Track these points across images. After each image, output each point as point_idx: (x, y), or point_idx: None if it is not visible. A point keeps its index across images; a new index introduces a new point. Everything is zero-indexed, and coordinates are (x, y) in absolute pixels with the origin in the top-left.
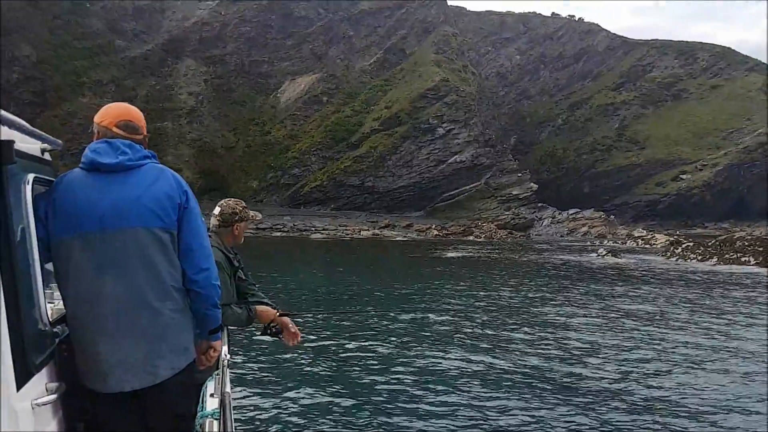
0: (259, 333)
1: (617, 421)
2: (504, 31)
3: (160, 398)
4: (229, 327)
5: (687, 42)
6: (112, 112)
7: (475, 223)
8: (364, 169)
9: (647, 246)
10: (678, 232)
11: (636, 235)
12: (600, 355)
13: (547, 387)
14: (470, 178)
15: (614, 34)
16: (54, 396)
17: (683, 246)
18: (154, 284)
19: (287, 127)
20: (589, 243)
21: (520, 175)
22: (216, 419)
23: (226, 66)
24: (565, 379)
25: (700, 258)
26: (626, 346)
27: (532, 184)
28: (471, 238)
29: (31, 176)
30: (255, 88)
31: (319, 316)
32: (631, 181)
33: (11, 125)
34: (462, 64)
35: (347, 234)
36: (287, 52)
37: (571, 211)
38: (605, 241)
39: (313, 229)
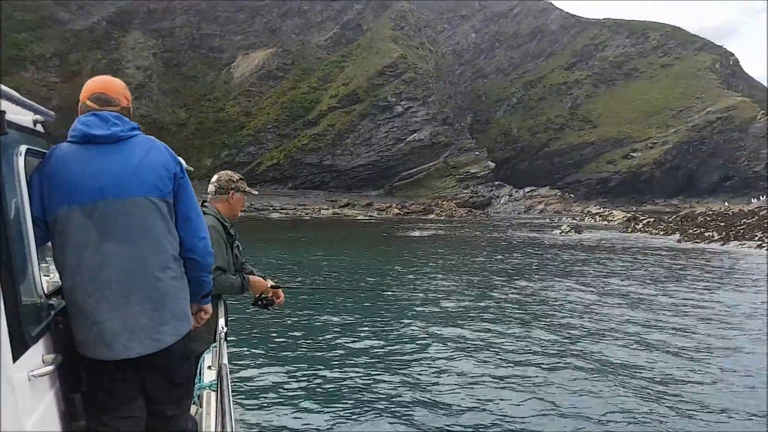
0: (251, 303)
1: (602, 396)
2: (460, 8)
3: (162, 365)
4: (227, 301)
5: (638, 21)
6: (87, 86)
7: (435, 202)
8: (322, 147)
9: (605, 222)
10: (634, 209)
11: (594, 211)
12: (591, 332)
13: (531, 360)
14: (429, 156)
15: (568, 12)
16: (51, 367)
17: (643, 222)
18: (156, 253)
19: (241, 103)
20: (548, 220)
21: (477, 153)
22: (213, 390)
23: (175, 39)
24: (550, 354)
25: (662, 233)
26: (607, 323)
27: (489, 162)
28: (432, 216)
29: (23, 148)
30: (206, 62)
31: (310, 288)
32: (584, 159)
33: (2, 96)
34: (419, 41)
35: (307, 213)
36: (240, 25)
37: (527, 189)
38: (564, 218)
39: (271, 208)
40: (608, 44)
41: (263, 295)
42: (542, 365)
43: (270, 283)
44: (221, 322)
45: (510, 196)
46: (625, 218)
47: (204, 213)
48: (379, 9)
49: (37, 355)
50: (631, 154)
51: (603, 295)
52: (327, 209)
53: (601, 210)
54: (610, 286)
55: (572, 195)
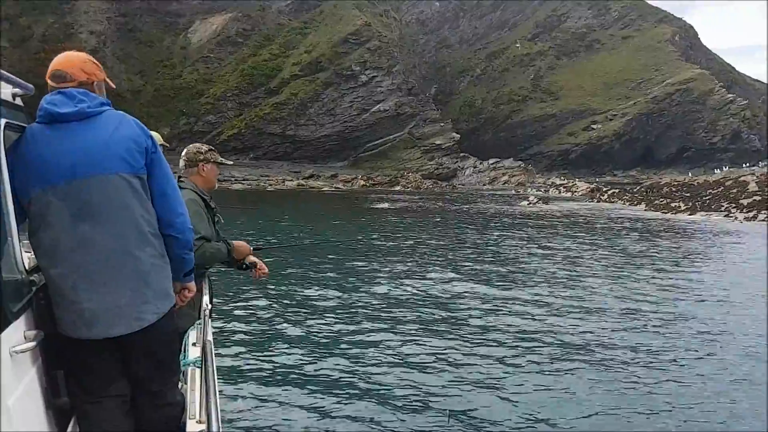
0: (235, 268)
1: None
2: None
3: (144, 343)
4: (211, 278)
5: None
6: (52, 63)
7: (401, 174)
8: (285, 117)
9: (570, 193)
10: (596, 180)
11: (558, 183)
12: (576, 308)
13: (514, 340)
14: (394, 127)
15: None
16: (32, 344)
17: (609, 193)
18: (132, 230)
19: (200, 70)
20: (513, 191)
21: (442, 125)
22: (198, 367)
23: (131, 3)
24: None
25: (629, 204)
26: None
27: (454, 134)
28: (398, 188)
29: (2, 122)
30: (163, 27)
31: (291, 246)
32: (545, 131)
33: None
34: (383, 9)
35: (270, 184)
36: None
37: (491, 161)
38: (529, 189)
39: (233, 179)
40: (570, 15)
41: (245, 261)
42: (512, 341)
43: (251, 248)
44: (205, 299)
45: (474, 167)
46: (589, 189)
47: (181, 188)
48: None
49: (19, 331)
50: (592, 126)
51: (579, 266)
52: (291, 180)
53: (565, 181)
54: (586, 259)
55: (534, 167)
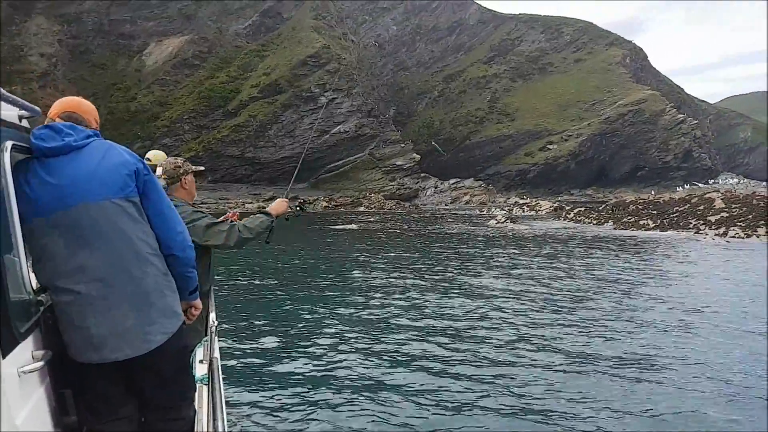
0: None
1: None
2: (380, 0)
3: (153, 364)
4: (213, 288)
5: (552, 17)
6: (57, 104)
7: (363, 194)
8: (244, 139)
9: (534, 212)
10: (555, 198)
11: (521, 202)
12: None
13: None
14: (354, 148)
15: (485, 7)
16: (41, 363)
17: (575, 211)
18: (130, 253)
19: (155, 93)
20: (477, 211)
21: (403, 145)
22: (205, 384)
23: (83, 25)
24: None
25: (596, 222)
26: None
27: (414, 154)
28: (362, 209)
29: (8, 143)
30: (116, 49)
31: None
32: (503, 151)
33: None
34: (342, 32)
35: (230, 208)
36: (152, 11)
37: (452, 181)
38: (493, 209)
39: None
40: (524, 39)
41: (289, 210)
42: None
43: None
44: (212, 315)
45: (436, 188)
46: (553, 208)
47: (176, 206)
48: None
49: (27, 351)
50: (548, 146)
51: (558, 287)
52: (251, 203)
53: (528, 200)
54: (569, 278)
55: (493, 187)
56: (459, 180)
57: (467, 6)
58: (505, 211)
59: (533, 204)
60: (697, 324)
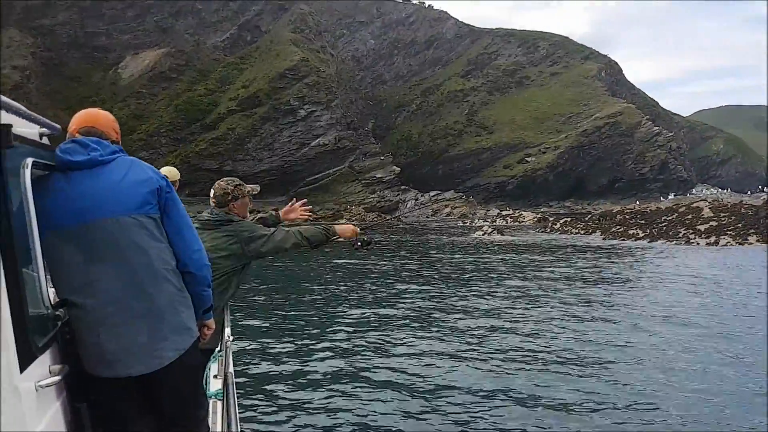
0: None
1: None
2: (358, 14)
3: (166, 380)
4: (230, 304)
5: (528, 31)
6: (76, 119)
7: (344, 207)
8: (222, 152)
9: (518, 223)
10: (535, 210)
11: (504, 213)
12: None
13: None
14: (334, 161)
15: (462, 22)
16: (57, 378)
17: (561, 222)
18: (145, 269)
19: (131, 106)
20: (460, 223)
21: (382, 158)
22: (219, 400)
23: (56, 38)
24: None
25: (583, 232)
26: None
27: (394, 167)
28: (342, 221)
29: (29, 160)
30: (91, 62)
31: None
32: (481, 164)
33: (9, 109)
34: (320, 45)
35: None
36: (128, 24)
37: (432, 193)
38: (476, 221)
39: None
40: (501, 53)
41: (358, 237)
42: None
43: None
44: (227, 331)
45: (416, 200)
46: (536, 219)
47: (232, 221)
48: (278, 11)
49: (44, 365)
50: (526, 159)
51: (563, 296)
52: None
53: (511, 212)
54: (571, 289)
55: (473, 199)
56: (439, 192)
57: (444, 20)
58: (488, 223)
59: (516, 215)
60: (706, 328)
